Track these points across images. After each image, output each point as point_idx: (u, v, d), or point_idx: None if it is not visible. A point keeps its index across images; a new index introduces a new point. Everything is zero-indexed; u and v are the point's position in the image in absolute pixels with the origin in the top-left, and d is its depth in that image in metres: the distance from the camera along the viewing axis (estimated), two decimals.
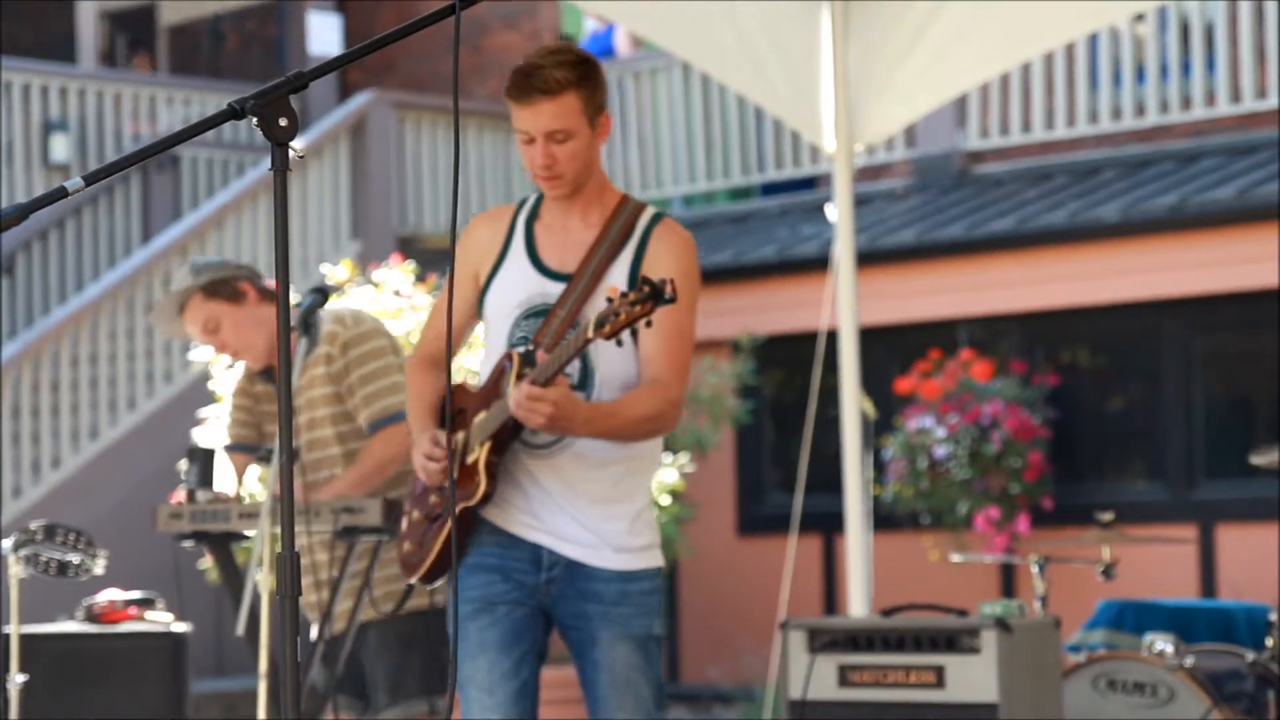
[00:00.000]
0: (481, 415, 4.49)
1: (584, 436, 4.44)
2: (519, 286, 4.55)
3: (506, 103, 4.49)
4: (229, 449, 5.83)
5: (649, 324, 4.19)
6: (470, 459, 4.47)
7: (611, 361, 4.50)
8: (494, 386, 4.50)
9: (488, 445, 4.45)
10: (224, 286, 5.61)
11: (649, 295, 4.15)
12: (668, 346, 4.48)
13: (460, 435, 4.51)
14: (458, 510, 4.47)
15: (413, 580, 4.62)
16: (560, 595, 4.54)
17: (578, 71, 4.45)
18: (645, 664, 4.53)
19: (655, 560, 4.58)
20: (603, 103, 4.52)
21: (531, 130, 4.45)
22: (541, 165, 4.47)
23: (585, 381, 4.51)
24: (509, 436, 4.46)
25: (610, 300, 4.20)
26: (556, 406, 4.29)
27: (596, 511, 4.52)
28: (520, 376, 4.39)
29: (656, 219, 4.58)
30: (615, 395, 4.49)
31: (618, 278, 4.49)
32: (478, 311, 4.65)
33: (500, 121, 13.00)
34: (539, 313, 4.52)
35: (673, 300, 4.17)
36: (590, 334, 4.21)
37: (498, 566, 4.53)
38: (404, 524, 4.73)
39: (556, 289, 4.52)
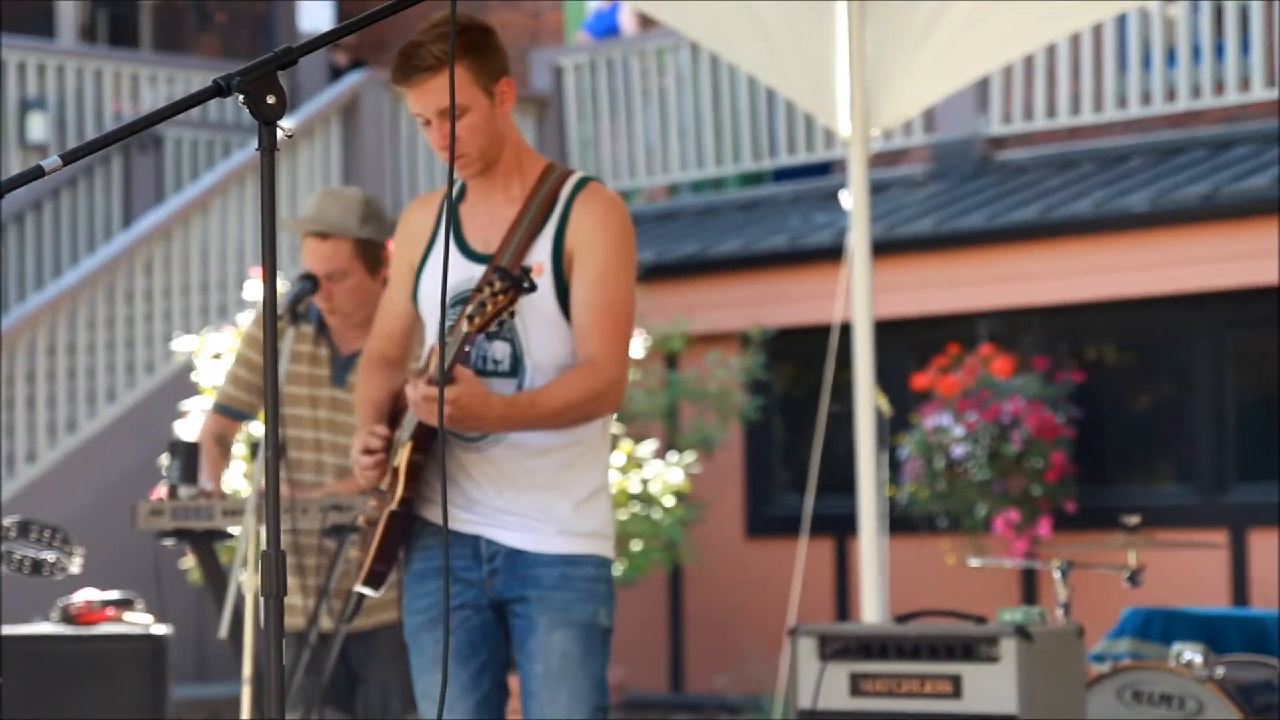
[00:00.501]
0: (409, 414, 4.44)
1: (502, 432, 4.35)
2: (449, 272, 4.38)
3: (394, 89, 4.36)
4: (216, 409, 5.73)
5: (512, 315, 4.17)
6: (395, 461, 4.42)
7: (545, 344, 4.39)
8: None
9: (409, 445, 4.38)
10: (374, 250, 5.46)
11: (508, 286, 4.13)
12: (601, 322, 4.36)
13: (397, 434, 4.48)
14: (385, 516, 4.40)
15: (358, 588, 4.51)
16: (504, 586, 4.43)
17: (461, 41, 4.31)
18: (584, 655, 4.39)
19: (603, 549, 4.46)
20: (500, 69, 4.40)
21: (424, 112, 4.35)
22: (441, 146, 4.33)
23: (516, 368, 4.40)
24: (428, 434, 4.36)
25: (479, 291, 4.17)
26: (457, 406, 4.19)
27: (537, 499, 4.42)
28: None
29: (581, 185, 4.47)
30: (550, 379, 4.39)
31: (541, 253, 4.38)
32: (415, 302, 4.59)
33: None
34: (468, 298, 4.39)
35: (532, 289, 4.14)
36: (465, 329, 4.17)
37: (443, 569, 4.41)
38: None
39: (482, 271, 4.41)
